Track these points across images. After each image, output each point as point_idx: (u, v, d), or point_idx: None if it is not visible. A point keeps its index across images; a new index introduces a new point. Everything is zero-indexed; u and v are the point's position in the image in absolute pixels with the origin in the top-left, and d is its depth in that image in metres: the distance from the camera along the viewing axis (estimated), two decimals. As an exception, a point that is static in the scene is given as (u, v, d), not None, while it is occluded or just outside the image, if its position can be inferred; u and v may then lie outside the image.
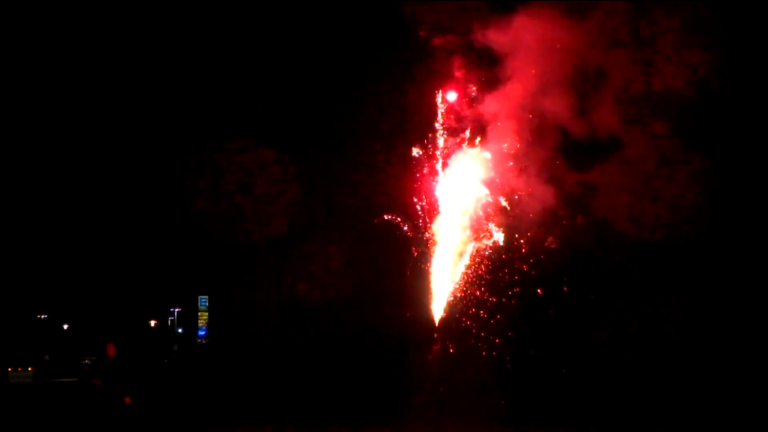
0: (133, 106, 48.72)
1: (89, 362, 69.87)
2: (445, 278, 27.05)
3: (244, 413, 37.12)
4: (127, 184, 65.30)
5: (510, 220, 29.67)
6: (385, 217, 34.62)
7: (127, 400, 25.84)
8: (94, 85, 53.57)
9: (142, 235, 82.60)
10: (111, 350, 26.49)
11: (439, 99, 30.72)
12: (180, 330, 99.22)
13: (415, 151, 28.99)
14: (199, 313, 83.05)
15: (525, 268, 29.93)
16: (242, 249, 48.63)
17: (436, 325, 26.04)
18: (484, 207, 28.35)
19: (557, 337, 34.66)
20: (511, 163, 32.46)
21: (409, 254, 26.77)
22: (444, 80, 30.92)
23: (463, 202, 29.07)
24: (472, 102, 30.84)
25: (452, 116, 31.78)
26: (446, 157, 31.54)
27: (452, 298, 27.36)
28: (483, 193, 27.91)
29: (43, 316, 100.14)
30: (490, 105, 30.32)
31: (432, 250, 26.66)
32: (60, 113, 57.48)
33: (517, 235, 32.14)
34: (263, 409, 38.09)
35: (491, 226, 28.33)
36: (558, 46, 30.41)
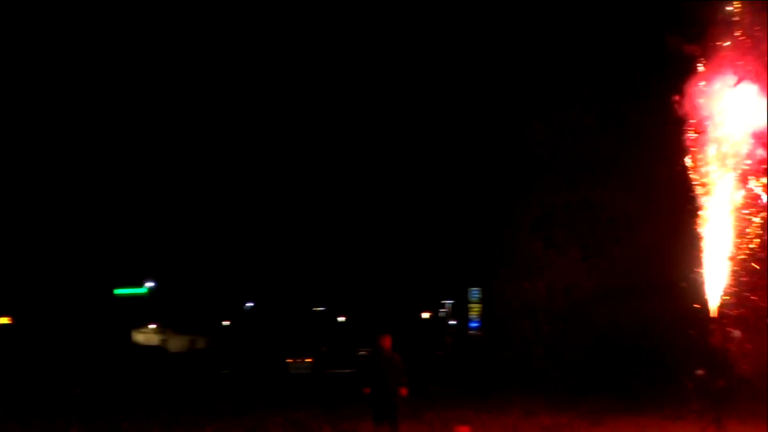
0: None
1: (365, 354, 70.78)
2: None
3: (512, 404, 36.52)
4: (419, 185, 66.54)
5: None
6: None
7: (404, 392, 25.68)
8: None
9: (416, 230, 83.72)
10: (386, 342, 26.35)
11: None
12: (452, 322, 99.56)
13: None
14: (470, 305, 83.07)
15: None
16: (511, 240, 48.13)
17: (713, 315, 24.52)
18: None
19: None
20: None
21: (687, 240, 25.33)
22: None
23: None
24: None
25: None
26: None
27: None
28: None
29: (320, 309, 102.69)
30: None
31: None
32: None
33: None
34: (535, 400, 37.39)
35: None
36: None
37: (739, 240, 24.48)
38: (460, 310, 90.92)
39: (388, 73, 74.54)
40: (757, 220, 24.30)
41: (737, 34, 23.65)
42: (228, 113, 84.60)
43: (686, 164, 24.76)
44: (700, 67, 24.02)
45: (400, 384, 25.66)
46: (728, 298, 24.93)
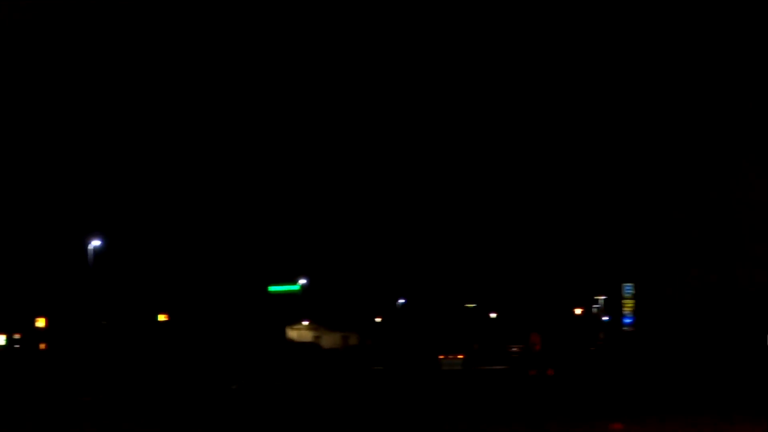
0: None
1: (517, 350, 70.57)
2: None
3: (667, 405, 35.63)
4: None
5: None
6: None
7: (551, 372, 25.51)
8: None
9: (569, 226, 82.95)
10: (536, 339, 26.23)
11: None
12: (606, 318, 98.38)
13: None
14: (624, 301, 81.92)
15: None
16: (670, 234, 47.31)
17: None
18: None
19: None
20: None
21: None
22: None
23: None
24: None
25: None
26: None
27: None
28: None
29: (471, 306, 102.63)
30: None
31: None
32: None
33: None
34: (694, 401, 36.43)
35: None
36: None
37: None
38: (614, 306, 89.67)
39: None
40: None
41: None
42: (387, 113, 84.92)
43: None
44: None
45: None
46: None
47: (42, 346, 74.07)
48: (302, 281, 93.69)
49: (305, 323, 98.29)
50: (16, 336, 78.51)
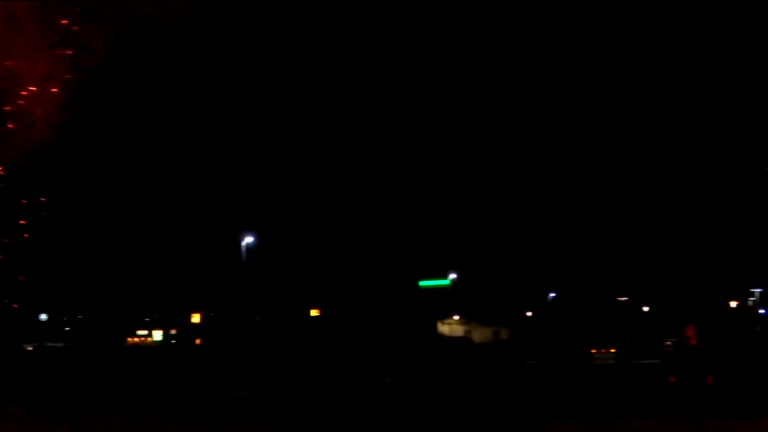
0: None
1: (670, 344, 69.31)
2: None
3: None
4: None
5: None
6: None
7: (710, 379, 24.89)
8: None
9: (721, 217, 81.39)
10: (691, 333, 25.66)
11: None
12: (762, 311, 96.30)
13: None
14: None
15: None
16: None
17: None
18: None
19: None
20: None
21: None
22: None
23: None
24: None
25: None
26: None
27: None
28: None
29: (623, 299, 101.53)
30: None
31: None
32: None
33: None
34: None
35: None
36: None
37: None
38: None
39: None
40: None
41: None
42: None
43: None
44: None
45: (707, 372, 24.95)
46: None
47: (198, 341, 75.75)
48: (452, 276, 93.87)
49: (456, 318, 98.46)
50: (173, 331, 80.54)
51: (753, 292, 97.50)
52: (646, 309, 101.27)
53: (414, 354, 62.93)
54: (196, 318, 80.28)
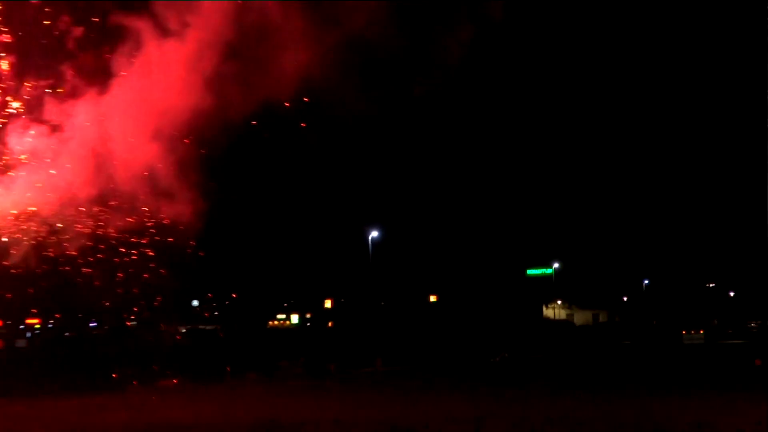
0: None
1: (755, 326, 69.18)
2: None
3: None
4: None
5: None
6: None
7: (758, 362, 25.44)
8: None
9: None
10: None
11: None
12: None
13: None
14: None
15: None
16: None
17: None
18: None
19: None
20: None
21: None
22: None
23: None
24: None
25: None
26: None
27: None
28: None
29: (711, 285, 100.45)
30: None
31: None
32: None
33: None
34: None
35: None
36: None
37: None
38: None
39: None
40: None
41: None
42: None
43: None
44: None
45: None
46: None
47: (329, 324, 76.96)
48: (556, 265, 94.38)
49: (559, 302, 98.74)
50: (308, 315, 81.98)
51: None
52: (732, 294, 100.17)
53: (521, 335, 63.50)
54: (328, 303, 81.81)
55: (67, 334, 51.27)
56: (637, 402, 28.16)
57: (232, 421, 25.03)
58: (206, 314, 74.68)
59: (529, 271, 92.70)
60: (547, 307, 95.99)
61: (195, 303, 77.10)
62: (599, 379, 37.14)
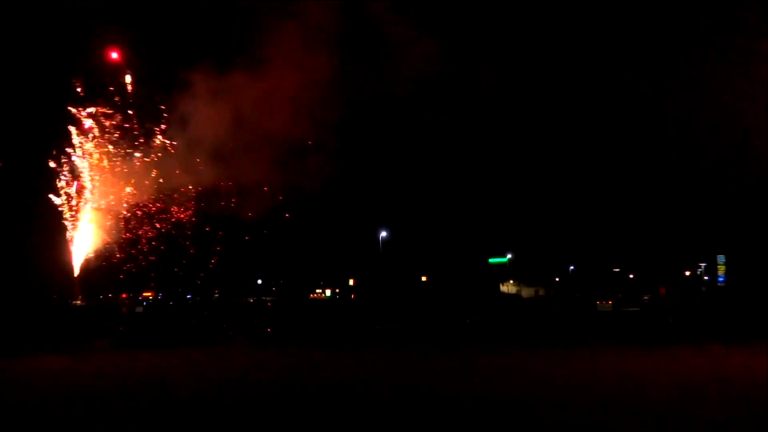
0: None
1: (646, 299, 68.88)
2: None
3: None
4: None
5: None
6: None
7: (671, 320, 25.48)
8: None
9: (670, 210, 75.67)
10: (662, 291, 26.55)
11: None
12: (706, 277, 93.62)
13: None
14: (718, 266, 78.59)
15: None
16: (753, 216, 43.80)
17: None
18: None
19: None
20: None
21: None
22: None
23: None
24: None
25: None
26: None
27: None
28: None
29: (617, 270, 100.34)
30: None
31: None
32: None
33: None
34: None
35: None
36: None
37: None
38: (712, 270, 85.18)
39: None
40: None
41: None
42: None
43: None
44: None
45: (668, 317, 25.61)
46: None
47: (352, 296, 77.03)
48: (509, 255, 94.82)
49: (511, 282, 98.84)
50: (337, 290, 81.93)
51: (700, 265, 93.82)
52: (631, 276, 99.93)
53: (485, 304, 63.43)
54: (351, 282, 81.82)
55: (171, 303, 51.21)
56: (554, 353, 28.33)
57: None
58: (273, 288, 74.56)
59: (491, 260, 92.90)
60: (502, 285, 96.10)
61: (259, 281, 77.16)
62: (536, 337, 37.24)
